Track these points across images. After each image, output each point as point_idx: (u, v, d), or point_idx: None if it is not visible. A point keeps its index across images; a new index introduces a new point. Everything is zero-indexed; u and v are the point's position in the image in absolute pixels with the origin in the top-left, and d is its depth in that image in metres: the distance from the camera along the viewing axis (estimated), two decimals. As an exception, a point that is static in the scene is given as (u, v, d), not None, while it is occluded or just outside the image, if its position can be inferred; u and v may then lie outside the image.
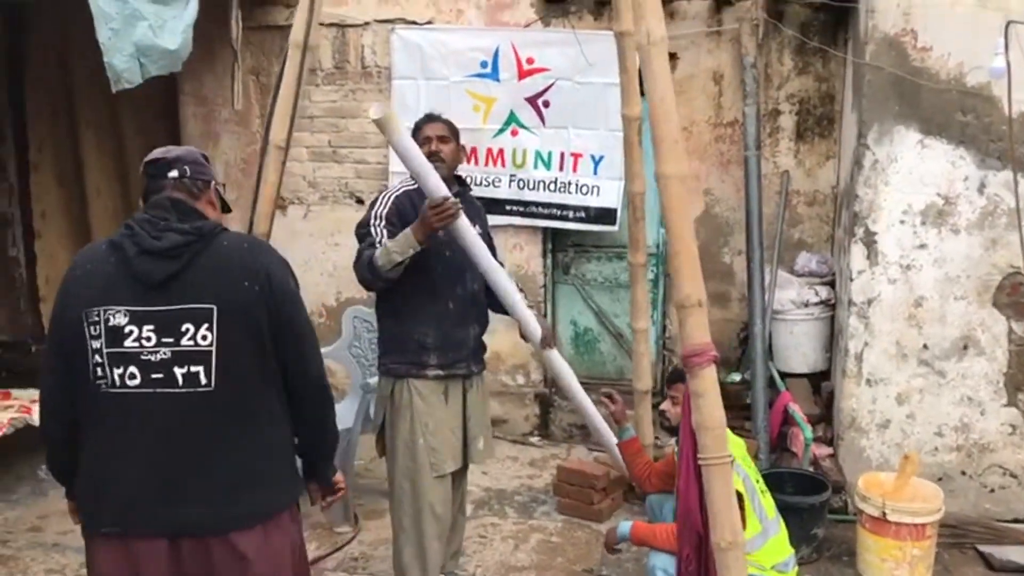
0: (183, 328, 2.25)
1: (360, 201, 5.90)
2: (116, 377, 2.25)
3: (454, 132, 3.70)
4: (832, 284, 5.12)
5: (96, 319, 2.26)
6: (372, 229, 3.47)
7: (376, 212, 3.51)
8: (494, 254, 3.72)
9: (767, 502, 3.50)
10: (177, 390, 2.25)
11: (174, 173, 2.37)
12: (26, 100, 6.37)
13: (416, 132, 3.66)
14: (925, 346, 4.50)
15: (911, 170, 4.41)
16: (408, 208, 3.50)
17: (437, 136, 3.63)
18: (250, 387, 2.32)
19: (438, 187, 3.32)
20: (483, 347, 3.77)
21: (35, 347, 5.80)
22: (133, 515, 2.28)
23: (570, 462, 5.01)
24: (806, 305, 5.07)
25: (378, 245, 3.38)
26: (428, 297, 3.52)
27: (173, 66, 4.64)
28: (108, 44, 4.23)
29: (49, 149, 6.42)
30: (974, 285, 4.44)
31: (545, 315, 5.88)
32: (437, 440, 3.55)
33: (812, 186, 5.39)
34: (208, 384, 2.25)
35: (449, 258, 3.54)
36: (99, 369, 2.27)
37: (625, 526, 3.48)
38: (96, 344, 2.26)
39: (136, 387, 2.25)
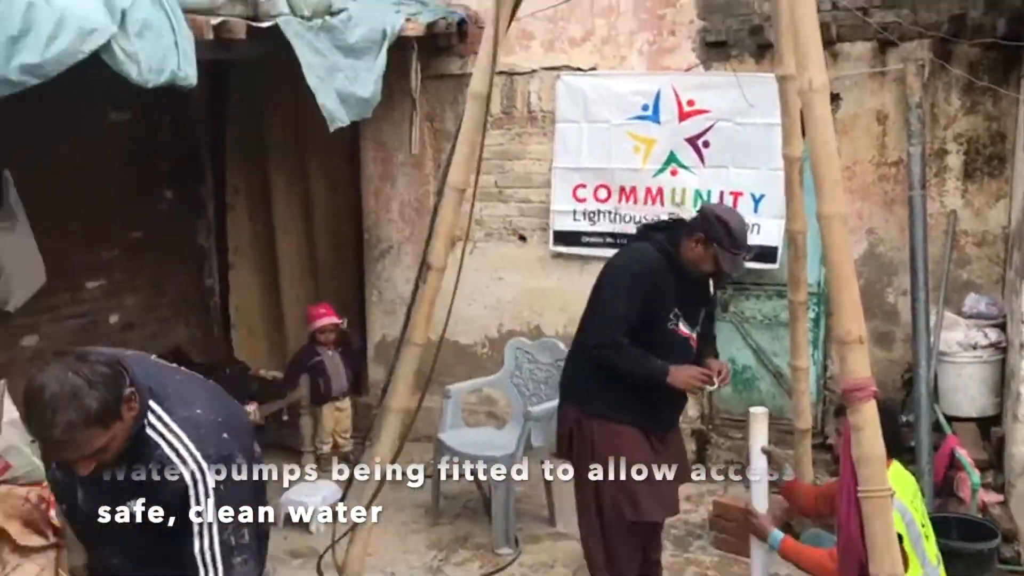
0: None
1: (523, 238, 6.18)
2: None
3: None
4: (1002, 327, 4.97)
5: None
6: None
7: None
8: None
9: (930, 548, 3.44)
10: None
11: None
12: (226, 149, 7.01)
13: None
14: (1104, 392, 4.33)
15: (1088, 210, 4.29)
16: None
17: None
18: None
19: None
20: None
21: (228, 370, 6.31)
22: None
23: (726, 498, 5.04)
24: (974, 347, 4.95)
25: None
26: None
27: (365, 112, 5.06)
28: (319, 87, 4.68)
29: (244, 191, 7.03)
30: None
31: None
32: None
33: (981, 226, 5.26)
34: None
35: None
36: None
37: (777, 536, 3.50)
38: None
39: None
